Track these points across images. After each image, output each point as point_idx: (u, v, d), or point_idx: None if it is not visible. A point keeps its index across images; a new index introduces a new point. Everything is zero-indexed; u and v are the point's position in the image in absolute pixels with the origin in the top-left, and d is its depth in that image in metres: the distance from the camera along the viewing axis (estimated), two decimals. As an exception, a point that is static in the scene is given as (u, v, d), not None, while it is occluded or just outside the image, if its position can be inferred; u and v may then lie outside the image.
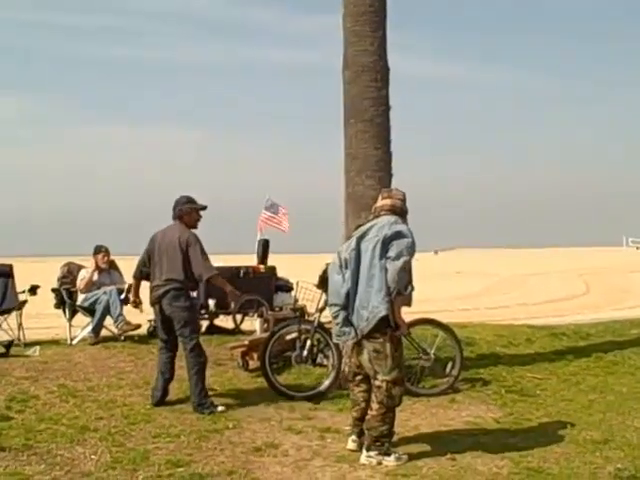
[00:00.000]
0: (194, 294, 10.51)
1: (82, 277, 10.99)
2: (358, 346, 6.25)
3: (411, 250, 6.04)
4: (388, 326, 6.04)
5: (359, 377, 6.39)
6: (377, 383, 6.12)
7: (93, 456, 6.03)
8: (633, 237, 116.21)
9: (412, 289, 6.16)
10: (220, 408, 7.52)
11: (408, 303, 6.32)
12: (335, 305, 6.24)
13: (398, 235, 6.06)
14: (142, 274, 8.08)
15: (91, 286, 10.93)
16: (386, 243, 6.05)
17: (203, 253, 7.73)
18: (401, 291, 5.99)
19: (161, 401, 7.69)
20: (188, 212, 7.87)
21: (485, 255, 75.88)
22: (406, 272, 6.00)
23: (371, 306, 6.03)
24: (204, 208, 8.00)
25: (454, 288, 32.74)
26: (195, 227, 7.93)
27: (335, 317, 6.29)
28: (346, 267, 6.19)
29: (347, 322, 6.17)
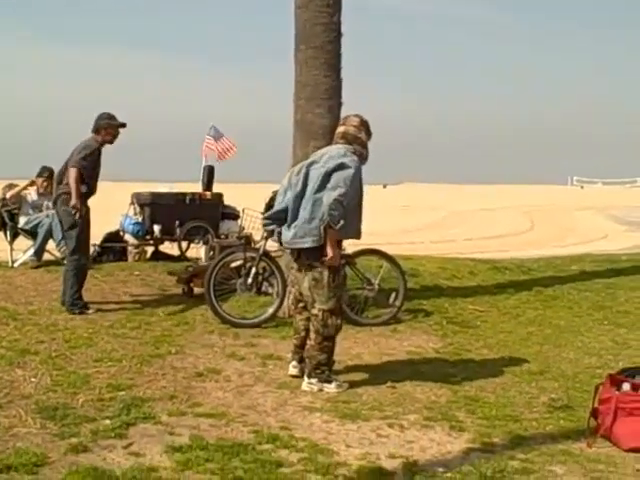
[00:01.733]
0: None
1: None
2: (300, 273, 6.26)
3: (350, 182, 5.96)
4: (323, 256, 6.05)
5: (301, 305, 6.41)
6: (314, 312, 6.15)
7: (33, 379, 6.00)
8: (578, 176, 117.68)
9: (342, 224, 5.96)
10: (91, 311, 8.09)
11: (357, 236, 6.30)
12: (267, 218, 6.45)
13: (341, 167, 6.01)
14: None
15: (32, 208, 10.78)
16: (328, 175, 6.01)
17: (79, 153, 8.12)
18: (331, 223, 5.90)
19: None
20: (105, 127, 8.25)
21: (432, 190, 76.13)
22: (340, 204, 5.88)
23: (300, 231, 6.07)
24: (123, 125, 8.36)
25: (401, 221, 32.88)
26: (111, 142, 8.34)
27: (264, 226, 6.67)
28: (290, 187, 6.20)
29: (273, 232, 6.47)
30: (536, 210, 44.82)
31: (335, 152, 6.14)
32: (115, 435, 4.94)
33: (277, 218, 6.32)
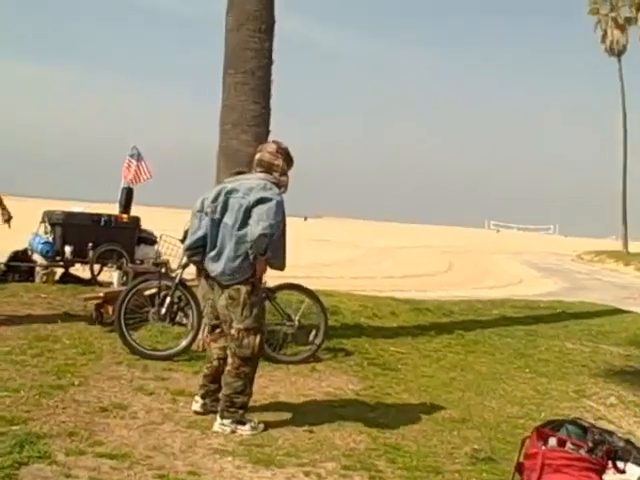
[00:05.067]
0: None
1: None
2: (216, 292, 5.91)
3: (273, 215, 5.65)
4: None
5: (217, 330, 6.04)
6: (232, 332, 5.78)
7: None
8: (495, 220, 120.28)
9: (269, 255, 5.77)
10: None
11: (281, 267, 5.99)
12: (188, 249, 6.03)
13: (261, 201, 5.69)
14: None
15: None
16: (248, 210, 5.70)
17: None
18: (258, 256, 5.68)
19: None
20: None
21: (353, 225, 76.72)
22: (265, 237, 5.61)
23: (228, 269, 5.74)
24: None
25: (321, 255, 32.74)
26: None
27: (188, 257, 6.31)
28: (206, 214, 5.85)
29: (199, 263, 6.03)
30: (454, 251, 45.43)
31: (255, 183, 5.80)
32: (4, 476, 4.46)
33: (199, 246, 5.93)
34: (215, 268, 5.83)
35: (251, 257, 5.70)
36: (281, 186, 5.90)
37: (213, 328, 6.11)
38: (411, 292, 18.45)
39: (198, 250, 5.94)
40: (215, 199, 5.86)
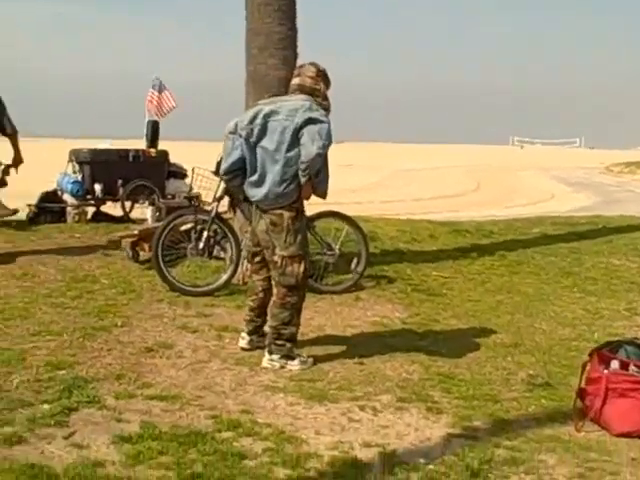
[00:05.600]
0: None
1: None
2: (255, 218, 5.73)
3: (325, 133, 5.41)
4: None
5: (258, 259, 5.84)
6: (274, 259, 5.59)
7: (-40, 358, 5.34)
8: (518, 136, 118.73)
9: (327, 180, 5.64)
10: None
11: (323, 194, 5.76)
12: (227, 173, 5.78)
13: (311, 121, 5.43)
14: None
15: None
16: (297, 130, 5.43)
17: None
18: (311, 177, 5.47)
19: None
20: None
21: (375, 149, 75.95)
22: (320, 158, 5.42)
23: (271, 194, 5.51)
24: None
25: (347, 181, 32.39)
26: None
27: (226, 181, 6.12)
28: (241, 135, 5.59)
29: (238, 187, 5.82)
30: (480, 170, 44.87)
31: (300, 104, 5.53)
32: (55, 423, 4.36)
33: (236, 169, 5.68)
34: (256, 193, 5.60)
35: (303, 179, 5.46)
36: (325, 109, 5.64)
37: (253, 256, 5.92)
38: (443, 213, 18.21)
39: (236, 173, 5.71)
40: (251, 121, 5.57)
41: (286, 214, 5.53)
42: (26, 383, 4.93)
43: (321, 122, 5.44)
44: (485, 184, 33.77)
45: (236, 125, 5.64)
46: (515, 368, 5.87)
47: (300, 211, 5.65)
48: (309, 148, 5.36)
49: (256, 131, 5.55)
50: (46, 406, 4.57)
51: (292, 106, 5.53)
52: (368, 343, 6.25)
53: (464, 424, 4.77)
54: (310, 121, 5.41)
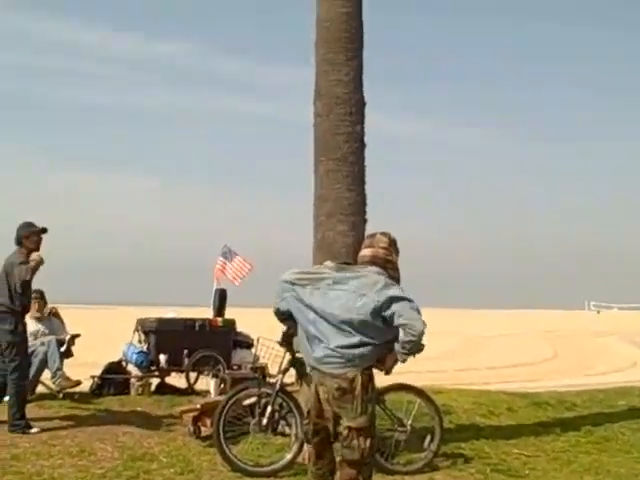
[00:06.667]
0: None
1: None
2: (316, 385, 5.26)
3: (417, 311, 5.13)
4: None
5: (319, 438, 5.34)
6: (339, 429, 5.10)
7: None
8: (594, 301, 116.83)
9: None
10: (34, 430, 7.83)
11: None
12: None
13: (393, 300, 5.10)
14: None
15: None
16: (378, 311, 5.09)
17: (23, 266, 7.90)
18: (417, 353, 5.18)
19: None
20: (26, 236, 8.11)
21: (445, 315, 75.18)
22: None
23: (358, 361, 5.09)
24: (43, 231, 8.21)
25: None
26: (36, 250, 8.09)
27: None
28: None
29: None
30: (556, 336, 43.66)
31: (373, 279, 5.23)
32: None
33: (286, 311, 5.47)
34: (323, 362, 5.20)
35: (401, 359, 5.20)
36: (396, 281, 5.34)
37: (314, 433, 5.40)
38: (519, 382, 17.44)
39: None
40: (314, 284, 5.33)
41: (359, 377, 5.09)
42: None
43: (403, 299, 5.13)
44: (562, 351, 32.65)
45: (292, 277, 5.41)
46: None
47: (372, 378, 5.24)
48: (416, 324, 5.06)
49: (317, 295, 5.28)
50: None
51: (364, 279, 5.24)
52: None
53: None
54: (393, 299, 5.10)
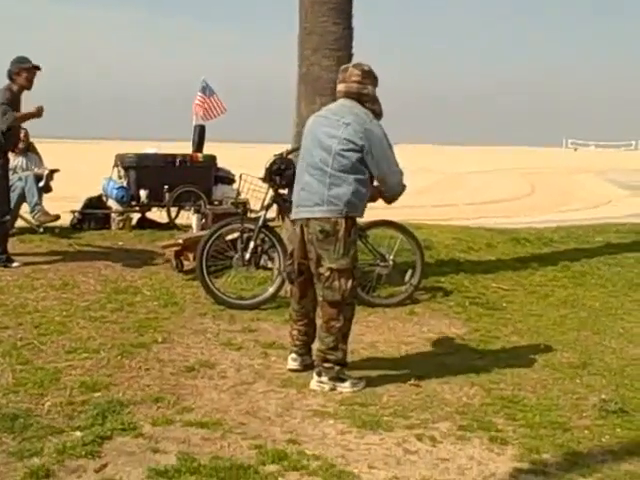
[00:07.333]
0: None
1: None
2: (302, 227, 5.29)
3: (389, 147, 5.24)
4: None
5: (303, 277, 5.39)
6: (320, 270, 5.15)
7: (-9, 376, 5.04)
8: (572, 138, 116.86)
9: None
10: (15, 264, 7.82)
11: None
12: None
13: (372, 142, 5.13)
14: None
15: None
16: (356, 146, 5.09)
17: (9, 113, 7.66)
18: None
19: None
20: (17, 72, 7.77)
21: (425, 151, 75.19)
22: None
23: (331, 200, 5.08)
24: (36, 68, 7.81)
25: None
26: (28, 88, 7.83)
27: None
28: None
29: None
30: (534, 173, 43.96)
31: (350, 119, 5.15)
32: (86, 453, 4.01)
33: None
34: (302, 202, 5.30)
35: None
36: (376, 115, 5.24)
37: (299, 273, 5.43)
38: (497, 218, 17.65)
39: None
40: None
41: (342, 220, 5.10)
42: (58, 407, 4.61)
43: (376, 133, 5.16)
44: (540, 188, 32.97)
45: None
46: (585, 392, 5.38)
47: (355, 222, 5.25)
48: (389, 177, 5.32)
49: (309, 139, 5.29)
50: (78, 433, 4.24)
51: (345, 119, 5.15)
52: (424, 362, 5.84)
53: (532, 457, 4.30)
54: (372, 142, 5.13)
